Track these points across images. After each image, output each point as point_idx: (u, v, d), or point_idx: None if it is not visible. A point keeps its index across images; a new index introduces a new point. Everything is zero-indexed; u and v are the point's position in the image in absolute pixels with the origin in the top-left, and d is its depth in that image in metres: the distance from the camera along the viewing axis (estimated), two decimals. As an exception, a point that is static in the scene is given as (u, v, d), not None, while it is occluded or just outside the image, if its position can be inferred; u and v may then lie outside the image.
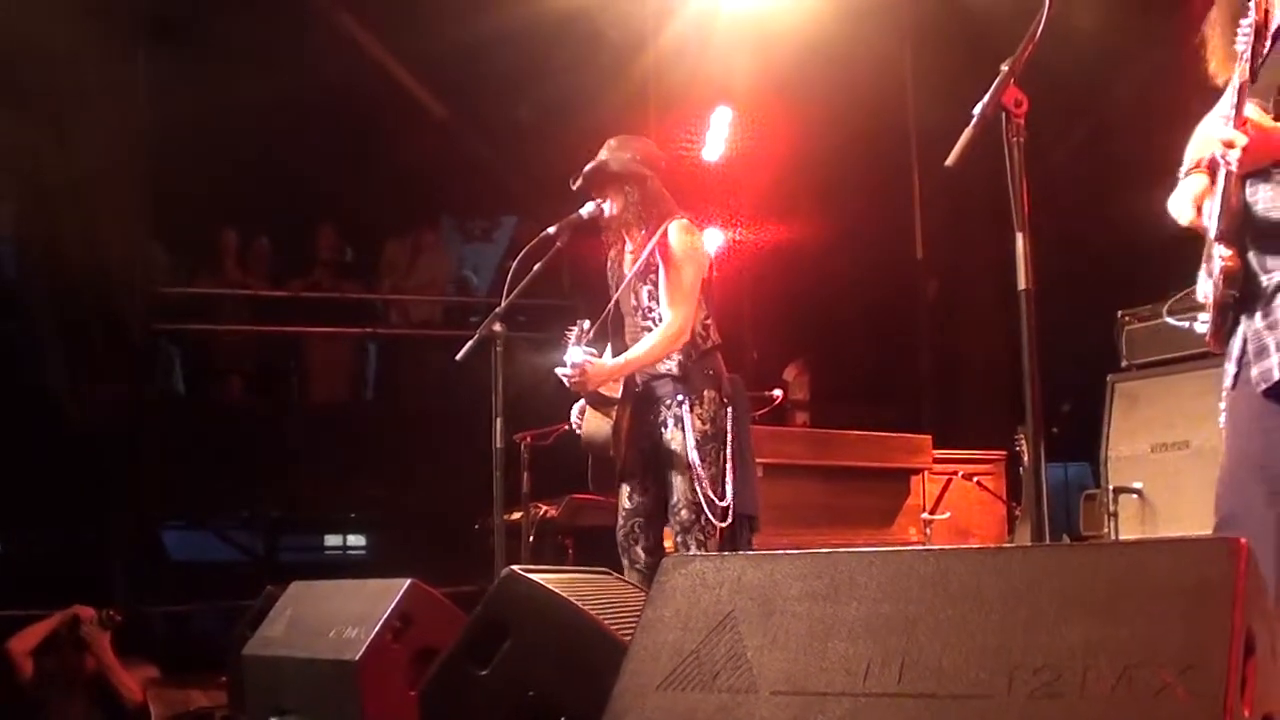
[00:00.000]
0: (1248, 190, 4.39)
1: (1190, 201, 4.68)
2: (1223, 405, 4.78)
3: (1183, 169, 4.84)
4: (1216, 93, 4.82)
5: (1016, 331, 4.21)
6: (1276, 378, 4.43)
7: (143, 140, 11.31)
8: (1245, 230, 4.43)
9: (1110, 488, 9.18)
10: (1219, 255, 4.45)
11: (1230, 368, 4.62)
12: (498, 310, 6.64)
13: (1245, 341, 4.52)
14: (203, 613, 10.14)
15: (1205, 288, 4.63)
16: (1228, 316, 4.54)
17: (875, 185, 12.62)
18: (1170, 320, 5.06)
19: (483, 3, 10.63)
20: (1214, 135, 4.26)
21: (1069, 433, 10.30)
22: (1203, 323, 4.68)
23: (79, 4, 9.98)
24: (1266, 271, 4.41)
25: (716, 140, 12.05)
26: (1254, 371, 4.50)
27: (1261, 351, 4.46)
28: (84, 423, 10.68)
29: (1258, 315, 4.46)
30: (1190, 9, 10.93)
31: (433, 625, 5.79)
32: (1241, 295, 4.47)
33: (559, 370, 6.39)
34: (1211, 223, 4.47)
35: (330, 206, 13.51)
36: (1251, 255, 4.42)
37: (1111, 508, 9.09)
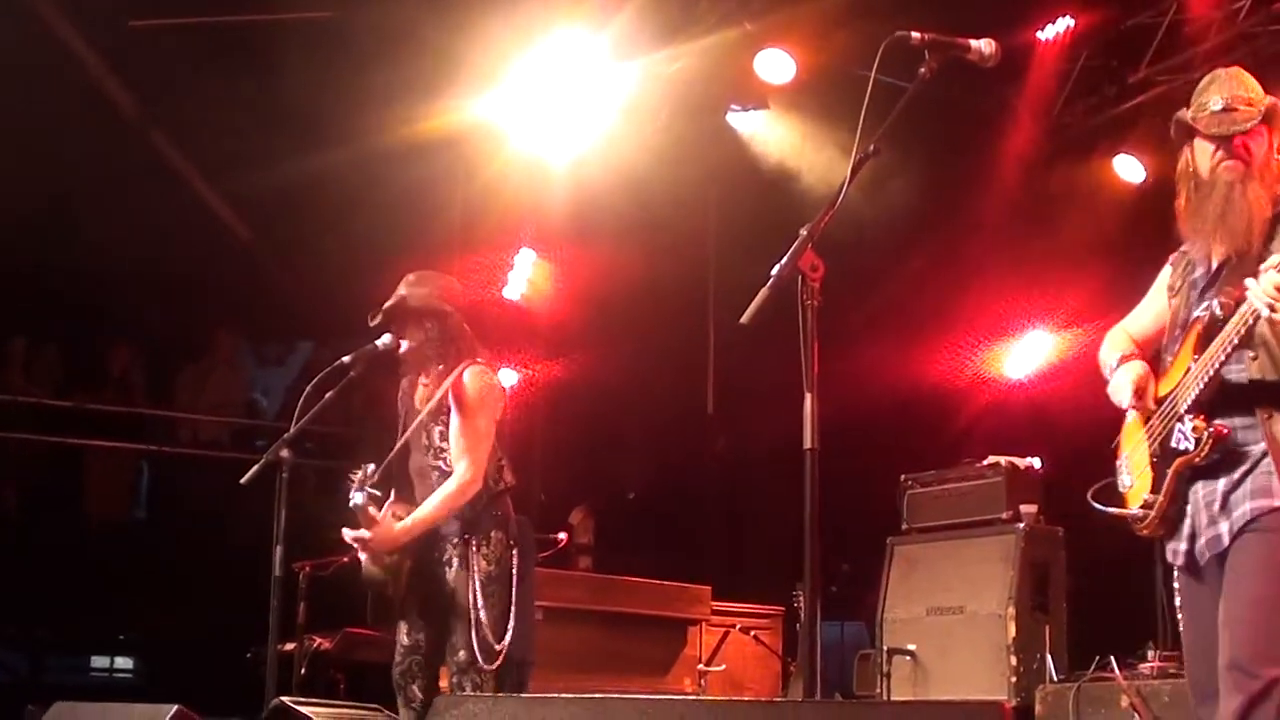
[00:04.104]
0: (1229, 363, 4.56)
1: (1131, 385, 4.88)
2: (1176, 585, 4.87)
3: (1111, 361, 5.02)
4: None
5: (801, 488, 4.26)
6: (1226, 544, 4.57)
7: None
8: (1218, 400, 4.60)
9: (885, 648, 9.29)
10: (1194, 424, 4.61)
11: (1181, 545, 4.73)
12: (286, 436, 6.57)
13: (1193, 516, 4.68)
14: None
15: (1135, 477, 4.83)
16: (1179, 491, 4.68)
17: (672, 337, 12.77)
18: (1098, 507, 5.12)
19: (295, 139, 10.62)
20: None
21: (847, 592, 10.44)
22: (1143, 508, 4.80)
23: None
24: (1242, 442, 4.59)
25: (518, 280, 12.11)
26: (1200, 540, 4.64)
27: (1213, 521, 4.61)
28: None
29: (1221, 481, 4.62)
30: (988, 185, 11.36)
31: (197, 754, 5.67)
32: (1208, 463, 4.62)
33: (346, 533, 6.29)
34: (1186, 394, 4.63)
35: (126, 321, 13.30)
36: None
37: (885, 668, 9.19)
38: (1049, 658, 8.67)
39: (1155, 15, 10.90)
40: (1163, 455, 4.75)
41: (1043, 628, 8.85)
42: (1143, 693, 7.09)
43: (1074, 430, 10.24)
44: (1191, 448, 4.61)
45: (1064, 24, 10.99)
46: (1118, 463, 5.07)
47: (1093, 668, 7.70)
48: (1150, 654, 7.79)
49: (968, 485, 9.58)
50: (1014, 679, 8.64)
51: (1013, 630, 8.74)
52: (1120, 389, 4.97)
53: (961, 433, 11.64)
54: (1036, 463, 9.57)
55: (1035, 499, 9.32)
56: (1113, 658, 7.54)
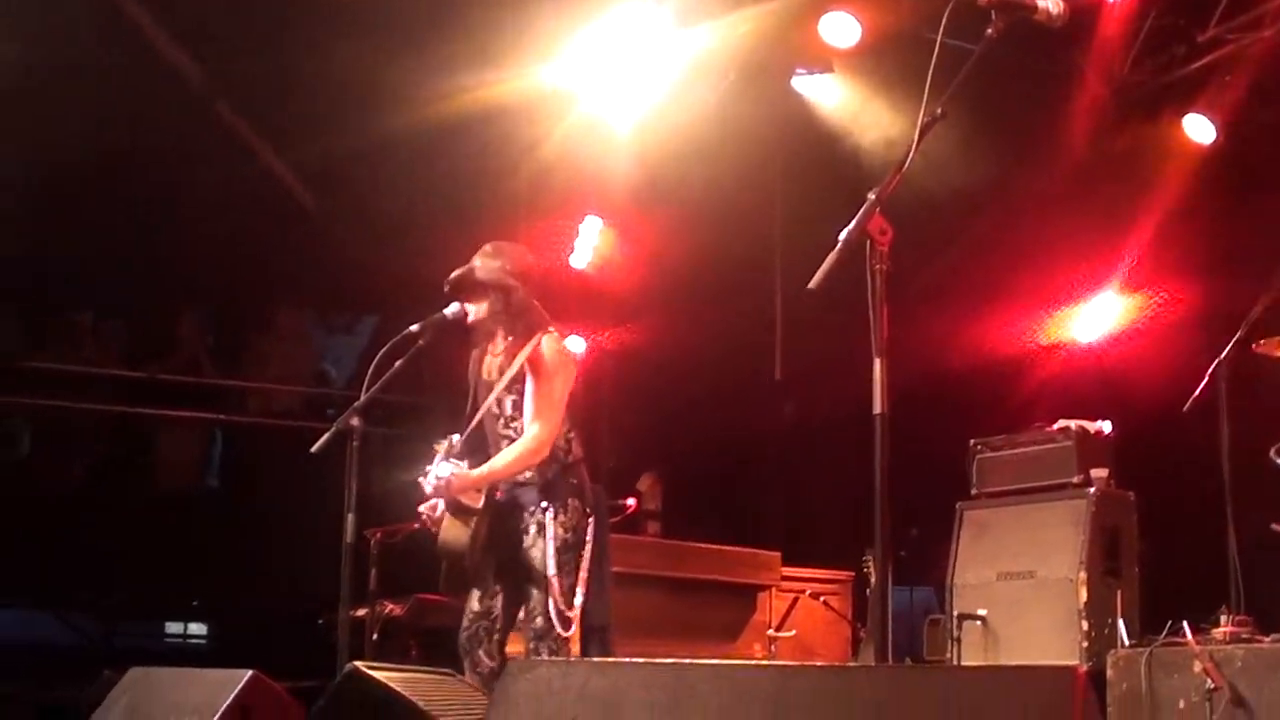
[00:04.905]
0: None
1: None
2: None
3: None
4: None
5: (870, 453, 4.26)
6: None
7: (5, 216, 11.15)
8: None
9: (955, 614, 9.26)
10: None
11: None
12: (357, 404, 6.61)
13: None
14: (36, 695, 9.91)
15: None
16: None
17: (739, 303, 12.73)
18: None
19: (362, 107, 10.63)
20: None
21: (916, 557, 10.41)
22: None
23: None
24: None
25: (585, 248, 12.12)
26: None
27: None
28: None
29: None
30: (1055, 146, 11.24)
31: (272, 719, 5.71)
32: None
33: (423, 480, 6.36)
34: None
35: (193, 291, 13.39)
36: None
37: (955, 633, 9.16)
38: (1120, 622, 8.62)
39: (1224, -27, 10.76)
40: None
41: (1114, 592, 8.80)
42: (1216, 658, 7.03)
43: (1145, 394, 10.20)
44: None
45: (1132, -18, 10.86)
46: None
47: (1165, 632, 7.63)
48: (1223, 619, 7.72)
49: (1038, 449, 9.53)
50: (1085, 644, 8.60)
51: (1084, 595, 8.70)
52: None
53: (1031, 397, 11.57)
54: (1107, 427, 9.51)
55: (1106, 463, 9.27)
56: (1185, 622, 7.48)
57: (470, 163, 11.18)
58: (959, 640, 9.17)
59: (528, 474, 6.52)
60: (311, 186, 12.63)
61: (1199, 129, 11.34)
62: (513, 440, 6.56)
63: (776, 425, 13.69)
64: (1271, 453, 5.23)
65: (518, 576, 6.49)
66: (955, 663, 9.08)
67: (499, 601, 6.53)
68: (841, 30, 10.73)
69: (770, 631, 10.36)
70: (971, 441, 9.87)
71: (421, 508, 6.52)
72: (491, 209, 11.27)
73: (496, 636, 6.54)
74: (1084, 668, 8.00)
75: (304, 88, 10.87)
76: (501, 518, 6.49)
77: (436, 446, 6.38)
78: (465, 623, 6.57)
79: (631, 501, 10.57)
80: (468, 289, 6.64)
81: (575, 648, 6.52)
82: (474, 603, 6.55)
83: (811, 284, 4.25)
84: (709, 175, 11.39)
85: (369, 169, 11.47)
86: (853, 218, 4.29)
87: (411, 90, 10.41)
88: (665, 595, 9.82)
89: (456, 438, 6.41)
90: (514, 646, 6.74)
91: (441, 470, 6.29)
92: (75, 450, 13.08)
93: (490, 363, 6.70)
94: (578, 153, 11.37)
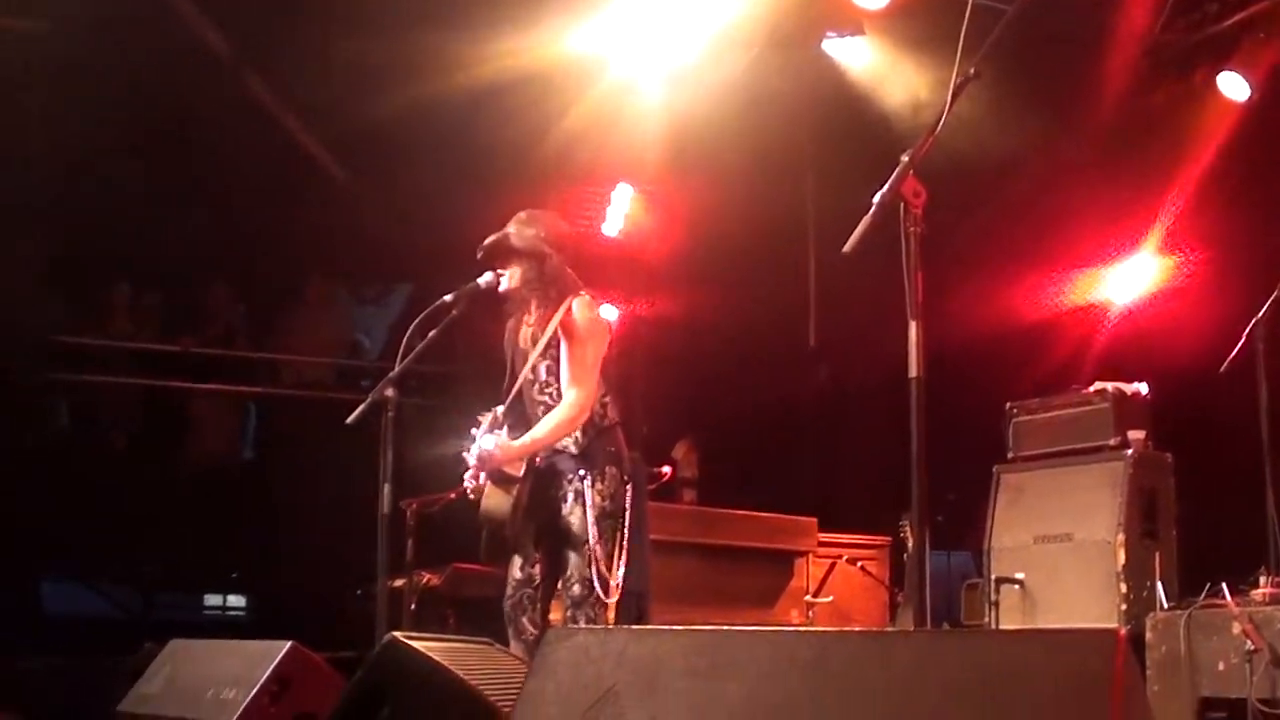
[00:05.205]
0: None
1: None
2: None
3: None
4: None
5: (905, 418, 4.24)
6: None
7: (39, 192, 11.18)
8: None
9: (992, 577, 9.24)
10: None
11: None
12: (391, 375, 6.62)
13: None
14: (76, 667, 9.96)
15: None
16: None
17: (772, 269, 12.70)
18: None
19: (390, 76, 10.61)
20: None
21: (953, 521, 10.39)
22: None
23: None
24: None
25: (616, 216, 12.10)
26: None
27: None
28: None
29: None
30: (1088, 107, 11.15)
31: (311, 689, 5.75)
32: None
33: (467, 453, 6.36)
34: None
35: (226, 264, 13.41)
36: None
37: (993, 597, 9.15)
38: (1159, 585, 8.60)
39: (1258, -72, 10.66)
40: None
41: (1152, 554, 8.77)
42: (1255, 619, 7.01)
43: (1182, 355, 10.13)
44: None
45: (1165, -60, 10.77)
46: None
47: (1203, 594, 7.61)
48: (1262, 580, 7.69)
49: (1074, 412, 9.49)
50: (1124, 606, 8.57)
51: (1122, 557, 8.67)
52: None
53: (1067, 359, 11.52)
54: (1143, 388, 9.46)
55: (1143, 425, 9.22)
56: (1224, 584, 7.45)
57: (500, 131, 11.15)
58: (997, 604, 9.15)
59: (565, 441, 6.52)
60: (341, 158, 12.63)
61: (1233, 87, 11.23)
62: (549, 406, 6.56)
63: (811, 391, 13.67)
64: None
65: (557, 543, 6.50)
66: (993, 626, 9.06)
67: (541, 568, 6.55)
68: (872, -8, 10.68)
69: (807, 597, 10.36)
70: (1007, 405, 9.84)
71: (466, 479, 6.52)
72: (522, 177, 11.24)
73: (540, 604, 6.56)
74: (1123, 630, 8.00)
75: (332, 60, 10.86)
76: (542, 484, 6.50)
77: (480, 418, 6.39)
78: (509, 590, 6.59)
79: (667, 469, 10.56)
80: (501, 256, 6.63)
81: (611, 615, 6.53)
82: (516, 570, 6.56)
83: (845, 248, 4.23)
84: (741, 140, 11.35)
85: (399, 139, 11.46)
86: (885, 181, 4.26)
87: (440, 59, 10.39)
88: (702, 562, 9.82)
89: (500, 409, 6.41)
90: (555, 615, 6.76)
91: (485, 442, 6.30)
92: (112, 424, 13.14)
93: (525, 331, 6.70)
94: (609, 120, 11.34)
